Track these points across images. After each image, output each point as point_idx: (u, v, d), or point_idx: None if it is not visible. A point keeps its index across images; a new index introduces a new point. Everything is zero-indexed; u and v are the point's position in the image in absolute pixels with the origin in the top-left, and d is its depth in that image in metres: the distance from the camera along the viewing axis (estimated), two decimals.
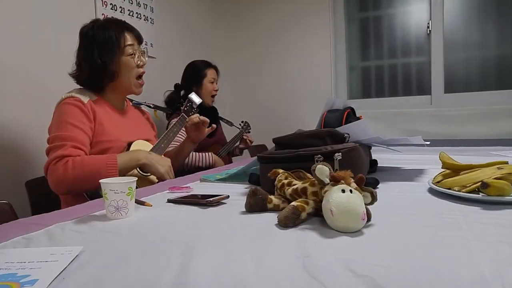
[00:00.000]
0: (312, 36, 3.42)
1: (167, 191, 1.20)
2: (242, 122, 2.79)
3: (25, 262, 0.60)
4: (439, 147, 1.67)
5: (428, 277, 0.48)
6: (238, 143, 2.75)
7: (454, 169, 1.00)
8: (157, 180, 1.56)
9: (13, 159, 1.80)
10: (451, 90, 3.07)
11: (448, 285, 0.46)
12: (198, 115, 1.72)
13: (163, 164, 1.51)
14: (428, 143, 1.32)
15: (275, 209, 0.86)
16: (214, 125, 1.80)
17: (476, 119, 2.85)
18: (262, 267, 0.54)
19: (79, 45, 1.56)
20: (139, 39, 1.63)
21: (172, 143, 2.03)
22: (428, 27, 3.10)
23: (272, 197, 0.88)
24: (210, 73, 2.58)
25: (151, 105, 1.93)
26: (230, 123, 2.75)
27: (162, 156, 1.59)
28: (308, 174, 0.89)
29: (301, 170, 0.93)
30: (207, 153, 2.40)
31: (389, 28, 3.28)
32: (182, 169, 2.23)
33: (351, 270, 0.51)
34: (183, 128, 1.74)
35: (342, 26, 3.40)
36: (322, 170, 0.74)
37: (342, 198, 0.68)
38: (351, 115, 1.51)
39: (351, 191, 0.69)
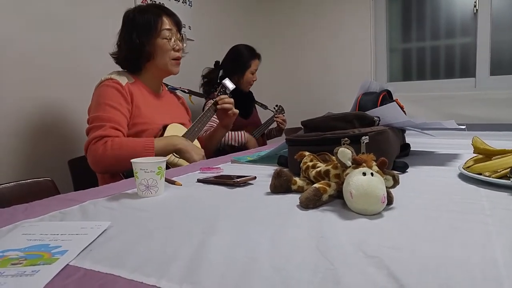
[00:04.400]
0: (351, 16, 3.34)
1: (198, 171, 1.23)
2: (277, 105, 2.80)
3: (57, 234, 0.64)
4: (480, 132, 1.60)
5: (438, 261, 0.48)
6: (273, 125, 2.76)
7: (486, 154, 0.97)
8: None
9: (57, 138, 1.90)
10: (498, 72, 2.93)
11: (456, 269, 0.45)
12: (227, 96, 1.74)
13: (198, 152, 1.56)
14: (464, 127, 1.27)
15: (299, 190, 0.86)
16: (236, 110, 1.78)
17: None
18: (276, 245, 0.56)
19: (121, 28, 1.62)
20: (178, 25, 1.66)
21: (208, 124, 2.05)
22: (475, 6, 2.95)
23: (296, 178, 0.89)
24: (254, 64, 2.58)
25: (185, 90, 1.97)
26: (265, 106, 2.76)
27: (197, 145, 1.63)
28: (333, 157, 0.89)
29: (327, 153, 0.93)
30: (239, 132, 2.42)
31: (433, 8, 3.14)
32: (216, 149, 2.28)
33: (362, 251, 0.52)
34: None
35: (383, 5, 3.30)
36: (344, 153, 0.74)
37: (362, 181, 0.68)
38: (386, 98, 1.47)
39: (372, 174, 0.69)
